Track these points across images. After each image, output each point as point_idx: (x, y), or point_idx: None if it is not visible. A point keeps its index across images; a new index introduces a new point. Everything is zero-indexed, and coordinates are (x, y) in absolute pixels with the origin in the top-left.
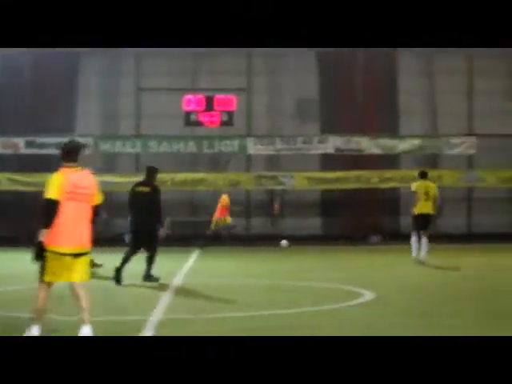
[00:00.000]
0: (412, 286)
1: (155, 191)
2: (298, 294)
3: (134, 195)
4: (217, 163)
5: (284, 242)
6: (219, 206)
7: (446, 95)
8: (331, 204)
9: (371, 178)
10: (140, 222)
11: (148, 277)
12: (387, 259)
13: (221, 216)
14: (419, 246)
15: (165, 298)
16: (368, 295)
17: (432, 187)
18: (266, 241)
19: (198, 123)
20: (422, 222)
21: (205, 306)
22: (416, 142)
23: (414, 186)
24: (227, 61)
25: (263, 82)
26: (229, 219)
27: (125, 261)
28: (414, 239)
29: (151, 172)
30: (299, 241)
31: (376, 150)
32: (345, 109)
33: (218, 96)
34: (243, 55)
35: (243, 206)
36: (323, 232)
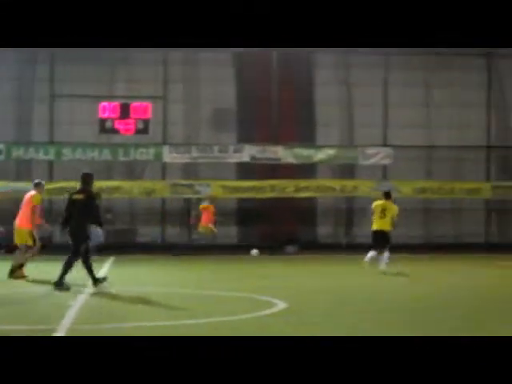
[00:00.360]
0: (325, 296)
1: (89, 198)
2: (210, 303)
3: (71, 203)
4: (132, 171)
5: (255, 252)
6: (204, 212)
7: (363, 106)
8: (248, 213)
9: (287, 188)
10: (70, 228)
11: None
12: (303, 269)
13: (208, 223)
14: (381, 258)
15: (75, 307)
16: (281, 305)
17: (391, 207)
18: (181, 250)
19: (114, 131)
20: (379, 238)
21: (115, 315)
22: (331, 151)
23: (374, 203)
24: (143, 68)
25: (180, 90)
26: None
27: (89, 268)
28: (371, 252)
29: (84, 178)
30: (215, 250)
31: (292, 160)
32: (262, 118)
33: (134, 104)
34: (159, 63)
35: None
36: (239, 241)
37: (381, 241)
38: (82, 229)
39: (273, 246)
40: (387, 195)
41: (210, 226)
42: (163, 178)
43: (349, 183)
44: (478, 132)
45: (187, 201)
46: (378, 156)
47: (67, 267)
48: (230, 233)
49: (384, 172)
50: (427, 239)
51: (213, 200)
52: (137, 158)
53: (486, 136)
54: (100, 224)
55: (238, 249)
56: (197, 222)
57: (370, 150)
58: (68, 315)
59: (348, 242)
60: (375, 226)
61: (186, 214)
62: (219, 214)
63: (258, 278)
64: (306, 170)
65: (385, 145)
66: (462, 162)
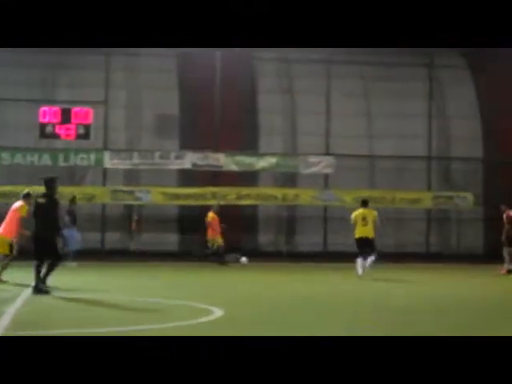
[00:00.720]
0: (263, 304)
1: (51, 202)
2: (146, 310)
3: (36, 207)
4: (73, 176)
5: (244, 259)
6: (207, 224)
7: (306, 115)
8: (189, 220)
9: (228, 195)
10: (37, 232)
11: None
12: (243, 277)
13: (215, 234)
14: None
15: (9, 313)
16: (217, 313)
17: (370, 213)
18: (121, 256)
19: (54, 136)
20: (363, 245)
21: (51, 321)
22: (273, 159)
23: (353, 214)
24: (85, 73)
25: (122, 95)
26: (219, 240)
27: (38, 273)
28: (358, 260)
29: (46, 183)
30: (156, 257)
31: (234, 167)
32: (204, 125)
33: (75, 109)
34: (101, 68)
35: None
36: (180, 248)
37: (366, 247)
38: (45, 233)
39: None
40: (364, 203)
41: (218, 237)
42: (104, 183)
43: (290, 191)
44: (419, 142)
45: (128, 207)
46: (320, 165)
47: (50, 271)
48: (172, 239)
49: (326, 181)
50: None
51: (216, 210)
52: (77, 164)
53: (428, 146)
54: (58, 230)
55: (180, 256)
56: (137, 228)
57: (312, 159)
58: (1, 322)
59: (289, 251)
60: (358, 234)
61: (127, 220)
62: (159, 221)
63: (197, 286)
64: (248, 178)
65: (327, 154)
66: (404, 171)
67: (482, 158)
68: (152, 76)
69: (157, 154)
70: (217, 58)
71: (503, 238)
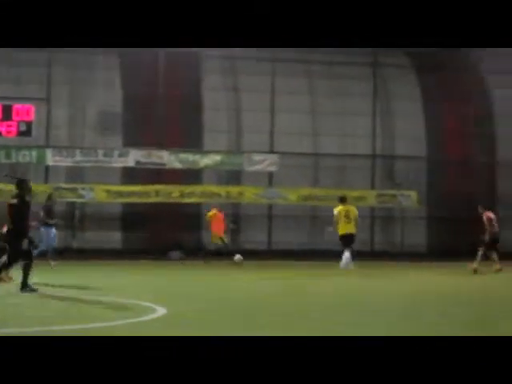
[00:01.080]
0: (206, 301)
1: (22, 203)
2: (88, 308)
3: (8, 207)
4: (14, 174)
5: (238, 257)
6: (213, 221)
7: (250, 112)
8: (133, 218)
9: (172, 193)
10: (13, 232)
11: (25, 286)
12: (187, 275)
13: (215, 231)
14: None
15: None
16: (161, 311)
17: (352, 210)
18: (63, 254)
19: None
20: (349, 241)
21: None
22: (217, 157)
23: (335, 210)
24: (27, 69)
25: (65, 92)
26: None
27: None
28: (346, 253)
29: (18, 184)
30: (99, 255)
31: (178, 165)
32: (148, 122)
33: (16, 105)
34: (44, 64)
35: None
36: (124, 246)
37: (351, 243)
38: (15, 233)
39: (157, 252)
40: (343, 199)
41: (222, 235)
42: (46, 181)
43: (234, 189)
44: (363, 140)
45: (71, 204)
46: (265, 163)
47: (26, 271)
48: (116, 237)
49: (270, 179)
50: (313, 246)
51: (220, 208)
52: (19, 161)
53: (372, 144)
54: (26, 231)
55: (123, 254)
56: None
57: (257, 157)
58: None
59: (234, 248)
60: (343, 231)
61: (70, 217)
62: (103, 219)
63: (141, 284)
64: (192, 176)
65: (271, 151)
66: (348, 169)
67: (425, 157)
68: (95, 73)
69: (100, 151)
70: (160, 54)
71: (487, 238)
